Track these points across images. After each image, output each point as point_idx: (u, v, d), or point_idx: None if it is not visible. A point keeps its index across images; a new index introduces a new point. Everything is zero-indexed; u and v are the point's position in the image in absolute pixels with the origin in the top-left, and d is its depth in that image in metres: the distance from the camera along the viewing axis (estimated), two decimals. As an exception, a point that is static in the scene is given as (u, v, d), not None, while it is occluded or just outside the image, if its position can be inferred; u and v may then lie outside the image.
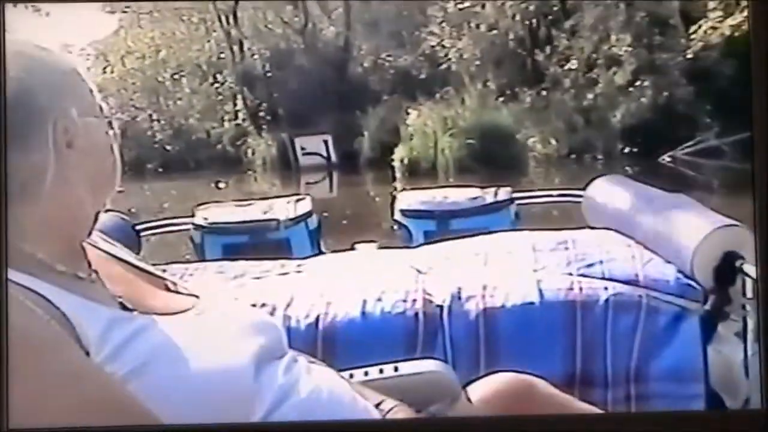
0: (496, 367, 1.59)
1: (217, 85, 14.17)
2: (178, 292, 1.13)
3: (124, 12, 14.20)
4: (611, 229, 2.23)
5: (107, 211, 1.14)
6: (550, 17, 12.27)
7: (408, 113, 12.17)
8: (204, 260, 2.54)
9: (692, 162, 10.44)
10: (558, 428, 1.24)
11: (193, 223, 2.72)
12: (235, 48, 13.71)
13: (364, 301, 2.02)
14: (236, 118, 13.79)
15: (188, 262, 2.36)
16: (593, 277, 2.08)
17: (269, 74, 13.60)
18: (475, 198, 2.76)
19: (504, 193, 2.78)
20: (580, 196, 2.50)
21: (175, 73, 14.45)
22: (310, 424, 1.07)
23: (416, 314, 2.02)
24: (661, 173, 10.13)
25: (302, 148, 12.60)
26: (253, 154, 13.28)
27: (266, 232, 2.68)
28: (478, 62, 12.42)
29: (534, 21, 12.23)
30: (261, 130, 13.30)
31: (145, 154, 13.67)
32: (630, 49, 11.65)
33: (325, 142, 12.54)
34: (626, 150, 11.11)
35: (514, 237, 2.24)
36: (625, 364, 1.85)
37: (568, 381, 1.78)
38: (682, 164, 10.48)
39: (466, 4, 12.52)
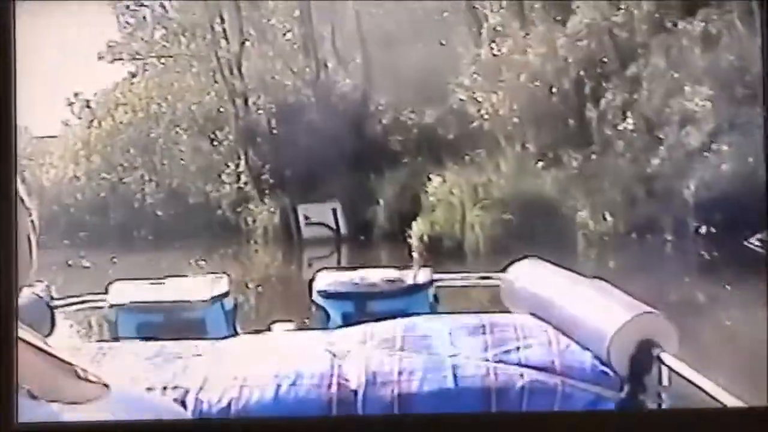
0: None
1: (216, 142, 14.99)
2: (88, 380, 1.34)
3: (118, 59, 15.17)
4: (529, 314, 2.74)
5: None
6: (603, 64, 12.49)
7: (430, 179, 12.35)
8: (117, 339, 3.10)
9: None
10: (560, 427, 1.64)
11: (108, 302, 3.31)
12: (238, 101, 14.51)
13: (278, 385, 2.55)
14: (238, 180, 14.52)
15: (102, 341, 2.91)
16: (510, 363, 2.57)
17: (275, 131, 14.33)
18: (393, 280, 3.30)
19: (423, 275, 3.31)
20: (499, 279, 3.02)
21: (170, 129, 15.32)
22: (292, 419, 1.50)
23: (330, 399, 2.54)
24: (748, 260, 9.81)
25: (306, 217, 13.00)
26: (254, 222, 13.89)
27: (181, 311, 3.25)
28: (515, 119, 12.57)
29: (583, 70, 12.51)
30: (264, 195, 13.96)
31: (133, 219, 14.56)
32: (707, 103, 11.64)
33: (333, 210, 12.91)
34: (702, 229, 10.95)
35: (432, 321, 2.76)
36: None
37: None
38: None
39: (503, 49, 12.79)
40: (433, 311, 3.19)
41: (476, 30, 13.26)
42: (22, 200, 1.40)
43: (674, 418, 1.66)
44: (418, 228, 12.02)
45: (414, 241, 11.90)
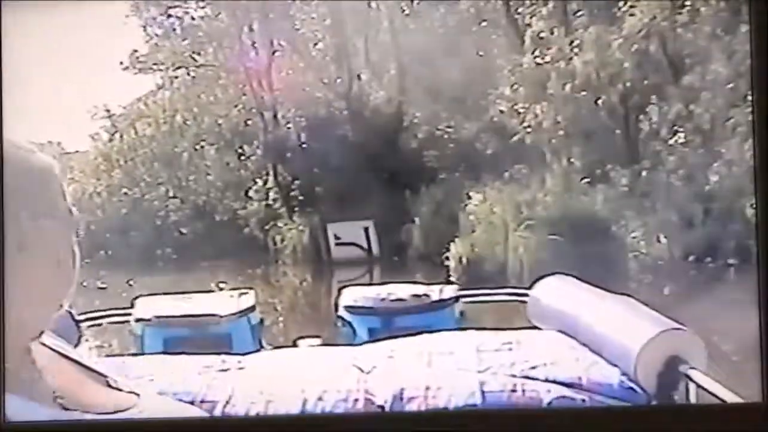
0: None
1: (244, 157, 15.27)
2: (119, 389, 1.47)
3: (143, 70, 15.50)
4: (556, 330, 2.94)
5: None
6: (656, 71, 12.51)
7: (470, 197, 12.34)
8: (144, 353, 3.36)
9: None
10: (558, 423, 1.80)
11: (135, 316, 3.58)
12: (267, 114, 14.76)
13: (305, 400, 2.78)
14: (266, 197, 14.74)
15: (130, 355, 3.17)
16: (536, 379, 2.78)
17: (305, 145, 14.58)
18: (419, 295, 3.52)
19: (449, 291, 3.53)
20: (526, 295, 3.23)
21: (195, 143, 15.61)
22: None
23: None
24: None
25: (336, 237, 13.14)
26: (282, 241, 14.10)
27: (208, 326, 3.50)
28: (561, 132, 12.56)
29: (634, 78, 12.49)
30: (293, 213, 14.17)
31: (156, 237, 14.81)
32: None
33: (365, 229, 13.00)
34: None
35: (459, 336, 2.97)
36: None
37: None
38: None
39: (547, 57, 12.77)
40: (459, 327, 3.41)
41: (518, 38, 13.29)
42: (70, 212, 1.49)
43: (674, 414, 1.82)
44: (456, 250, 12.00)
45: (452, 264, 11.94)
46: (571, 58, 12.78)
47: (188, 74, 15.81)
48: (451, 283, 3.92)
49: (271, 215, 14.55)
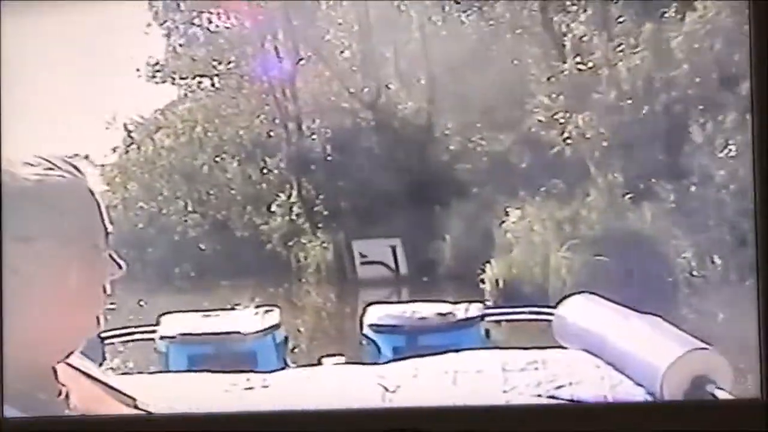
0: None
1: (266, 170, 15.44)
2: (147, 411, 1.68)
3: (163, 80, 15.80)
4: (582, 349, 3.16)
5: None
6: (710, 76, 12.45)
7: (508, 213, 12.31)
8: (169, 371, 3.62)
9: None
10: (559, 420, 1.97)
11: (159, 333, 3.86)
12: (291, 125, 14.92)
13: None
14: (290, 212, 14.91)
15: (155, 372, 3.43)
16: (562, 399, 3.00)
17: (330, 158, 14.73)
18: (445, 314, 3.77)
19: (475, 310, 3.79)
20: (551, 314, 3.46)
21: (215, 155, 15.85)
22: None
23: (380, 434, 2.99)
24: None
25: (362, 256, 13.17)
26: (305, 258, 14.21)
27: (232, 343, 3.77)
28: (604, 143, 12.53)
29: (684, 84, 12.44)
30: (317, 229, 14.32)
31: (173, 254, 15.05)
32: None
33: (393, 248, 12.98)
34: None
35: (484, 356, 3.20)
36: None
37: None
38: None
39: (589, 63, 12.76)
40: (484, 346, 3.64)
41: (555, 44, 13.36)
42: (104, 226, 1.74)
43: (675, 411, 2.01)
44: (492, 271, 11.94)
45: (488, 287, 11.93)
46: (615, 64, 12.79)
47: (210, 83, 16.07)
48: (478, 301, 4.15)
49: (294, 231, 14.73)
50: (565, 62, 13.11)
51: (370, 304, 3.98)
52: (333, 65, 14.93)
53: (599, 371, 3.03)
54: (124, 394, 1.69)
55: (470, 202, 13.25)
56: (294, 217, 14.87)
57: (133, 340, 3.97)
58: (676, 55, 12.53)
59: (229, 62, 15.64)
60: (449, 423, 2.03)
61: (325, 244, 14.12)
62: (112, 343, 3.85)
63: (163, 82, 15.90)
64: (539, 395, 3.01)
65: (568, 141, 12.85)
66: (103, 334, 3.69)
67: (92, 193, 1.69)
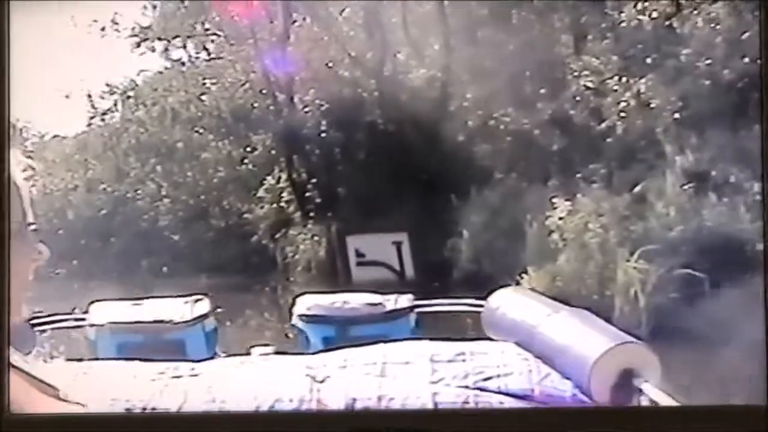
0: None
1: (250, 148, 15.77)
2: (67, 401, 1.86)
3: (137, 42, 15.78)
4: (511, 341, 3.79)
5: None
6: None
7: (555, 205, 11.48)
8: (98, 359, 4.29)
9: None
10: (556, 423, 2.41)
11: (88, 321, 4.55)
12: (281, 96, 14.97)
13: (257, 408, 3.65)
14: (279, 198, 15.20)
15: (82, 360, 4.08)
16: (489, 391, 3.61)
17: (325, 134, 14.90)
18: (375, 304, 4.44)
19: (405, 301, 4.46)
20: (481, 306, 4.09)
21: (190, 130, 16.10)
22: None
23: (308, 425, 3.64)
24: None
25: (359, 254, 13.06)
26: (294, 255, 14.50)
27: (161, 332, 4.44)
28: (677, 116, 11.50)
29: None
30: (308, 219, 14.54)
31: (142, 245, 15.34)
32: None
33: (398, 245, 12.77)
34: None
35: (413, 346, 3.84)
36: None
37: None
38: None
39: (654, 15, 12.06)
40: (414, 337, 4.29)
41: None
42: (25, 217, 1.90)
43: (675, 415, 2.49)
44: (529, 283, 10.97)
45: None
46: (688, 16, 12.06)
47: (184, 46, 16.15)
48: (408, 292, 4.81)
49: (282, 220, 14.95)
50: (622, 12, 12.69)
51: (299, 294, 4.66)
52: (331, 26, 14.94)
53: (527, 363, 3.64)
54: (47, 384, 1.90)
55: (493, 191, 12.94)
56: (283, 204, 15.08)
57: (62, 328, 4.69)
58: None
59: (210, 23, 15.77)
60: (449, 423, 2.51)
61: (316, 238, 14.31)
62: (43, 330, 4.55)
63: (137, 46, 16.09)
64: (466, 386, 3.63)
65: (622, 114, 12.24)
66: (33, 321, 4.37)
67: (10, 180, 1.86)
